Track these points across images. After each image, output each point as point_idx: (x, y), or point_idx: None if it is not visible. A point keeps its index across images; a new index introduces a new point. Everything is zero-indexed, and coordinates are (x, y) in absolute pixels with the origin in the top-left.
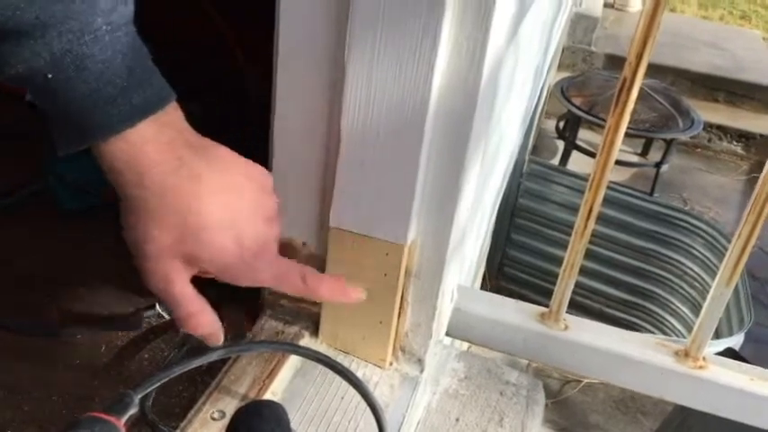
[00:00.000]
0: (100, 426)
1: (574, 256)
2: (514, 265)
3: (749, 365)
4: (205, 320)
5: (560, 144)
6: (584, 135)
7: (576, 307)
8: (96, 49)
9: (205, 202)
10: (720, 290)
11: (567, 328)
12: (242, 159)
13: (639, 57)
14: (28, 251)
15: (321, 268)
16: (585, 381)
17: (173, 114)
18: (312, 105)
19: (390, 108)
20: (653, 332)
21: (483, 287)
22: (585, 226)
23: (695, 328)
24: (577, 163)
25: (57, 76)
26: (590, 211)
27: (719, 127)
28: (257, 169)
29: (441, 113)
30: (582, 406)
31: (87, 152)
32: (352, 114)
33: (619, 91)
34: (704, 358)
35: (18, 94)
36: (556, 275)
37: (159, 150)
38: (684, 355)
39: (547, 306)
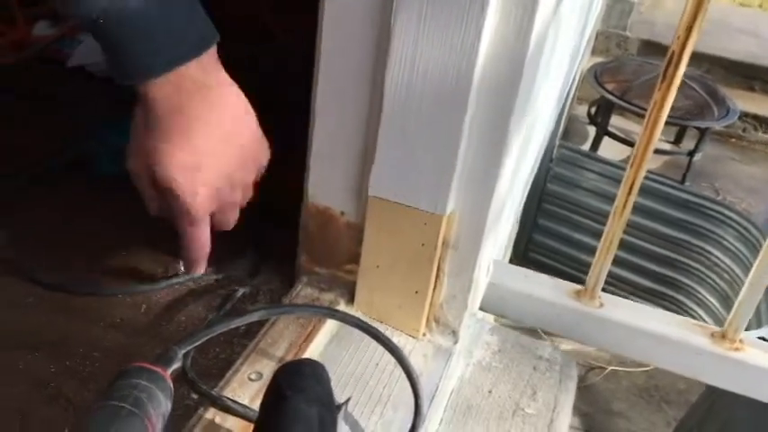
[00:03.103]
0: (147, 374)
1: (612, 234)
2: (540, 251)
3: None
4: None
5: (591, 130)
6: (616, 121)
7: None
8: (133, 2)
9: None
10: (760, 273)
11: (602, 305)
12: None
13: (689, 29)
14: (68, 215)
15: (359, 237)
16: (610, 368)
17: (206, 59)
18: (356, 72)
19: (435, 74)
20: None
21: None
22: (625, 203)
23: (733, 310)
24: (608, 149)
25: (105, 25)
26: (631, 187)
27: (755, 117)
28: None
29: (486, 82)
30: (605, 393)
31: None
32: (396, 80)
33: (666, 65)
34: (741, 340)
35: (58, 61)
36: (582, 262)
37: (195, 87)
38: (721, 336)
39: None
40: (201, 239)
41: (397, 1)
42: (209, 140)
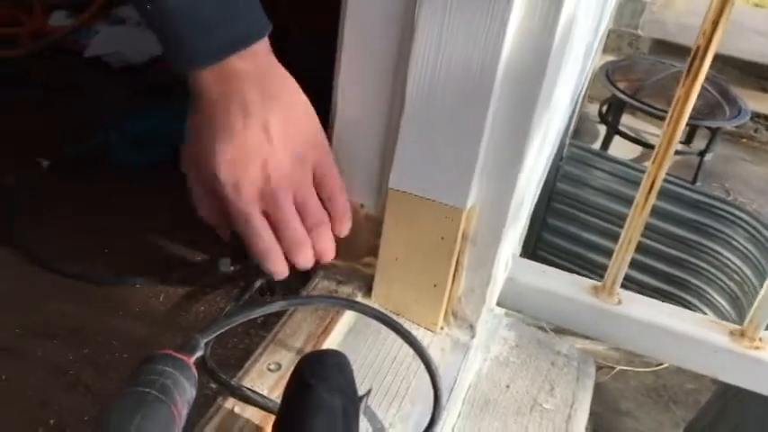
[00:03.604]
0: (172, 362)
1: (632, 232)
2: (549, 250)
3: None
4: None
5: (602, 129)
6: (627, 120)
7: None
8: None
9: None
10: None
11: (620, 302)
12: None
13: (715, 24)
14: (86, 204)
15: (378, 230)
16: (618, 367)
17: (257, 50)
18: (377, 64)
19: (459, 67)
20: None
21: None
22: (646, 200)
23: (753, 309)
24: (619, 148)
25: (153, 13)
26: (652, 183)
27: (767, 117)
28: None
29: (510, 76)
30: (613, 393)
31: (150, 105)
32: (419, 72)
33: (692, 60)
34: (760, 339)
35: (75, 51)
36: (592, 262)
37: (244, 79)
38: (740, 334)
39: None
40: (261, 242)
41: None
42: (255, 136)
